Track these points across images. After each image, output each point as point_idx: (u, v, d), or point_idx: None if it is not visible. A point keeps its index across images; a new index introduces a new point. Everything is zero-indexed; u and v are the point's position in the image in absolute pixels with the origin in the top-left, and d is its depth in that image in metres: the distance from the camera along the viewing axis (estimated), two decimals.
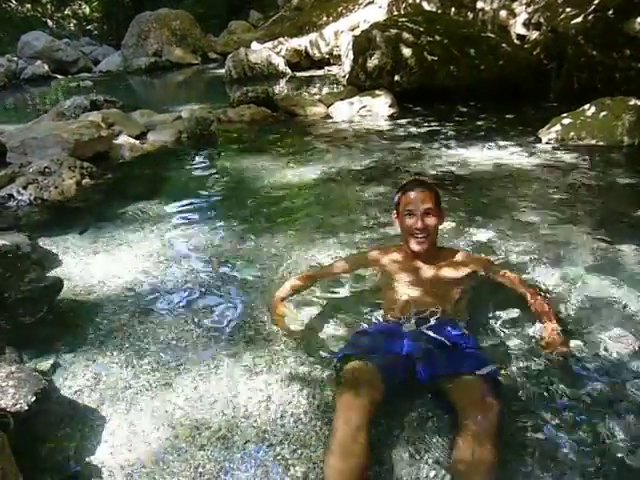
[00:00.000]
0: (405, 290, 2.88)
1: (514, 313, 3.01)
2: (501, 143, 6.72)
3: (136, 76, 17.51)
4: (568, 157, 6.03)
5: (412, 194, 2.88)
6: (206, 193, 5.37)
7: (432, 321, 2.61)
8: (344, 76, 11.39)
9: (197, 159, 6.60)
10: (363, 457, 1.99)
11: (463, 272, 2.96)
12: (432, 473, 2.07)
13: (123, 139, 6.82)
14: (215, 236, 4.25)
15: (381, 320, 2.88)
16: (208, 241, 4.16)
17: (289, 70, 14.67)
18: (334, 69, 14.62)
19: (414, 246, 2.89)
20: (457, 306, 2.81)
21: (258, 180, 5.65)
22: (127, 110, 8.59)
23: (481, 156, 6.18)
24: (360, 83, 9.70)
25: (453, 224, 4.22)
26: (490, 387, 2.24)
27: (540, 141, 6.65)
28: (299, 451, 2.19)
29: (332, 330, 2.96)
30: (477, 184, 5.31)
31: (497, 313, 3.03)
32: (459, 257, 3.06)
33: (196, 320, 3.12)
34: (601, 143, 6.40)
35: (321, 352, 2.79)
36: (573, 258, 3.61)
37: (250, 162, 6.30)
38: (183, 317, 3.16)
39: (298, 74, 14.59)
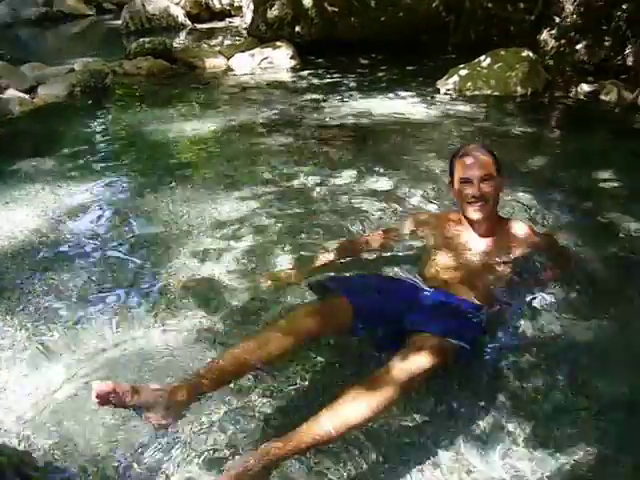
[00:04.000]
0: (442, 260, 2.71)
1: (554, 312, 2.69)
2: (401, 94, 6.82)
3: (25, 28, 16.46)
4: (465, 107, 6.20)
5: (468, 159, 2.59)
6: (102, 148, 5.19)
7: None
8: (245, 28, 11.15)
9: (92, 113, 6.33)
10: (258, 354, 2.06)
11: (518, 252, 2.68)
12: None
13: (11, 93, 6.44)
14: (113, 192, 4.13)
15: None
16: (105, 197, 4.04)
17: (189, 22, 14.19)
18: (236, 21, 14.28)
19: (471, 214, 2.61)
20: (490, 291, 2.57)
21: (157, 134, 5.50)
22: (15, 63, 8.10)
23: (382, 107, 6.25)
24: (261, 34, 9.53)
25: (354, 174, 4.28)
26: (443, 349, 2.14)
27: (439, 92, 6.80)
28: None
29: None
30: (378, 134, 5.38)
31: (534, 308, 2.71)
32: (520, 232, 2.74)
33: (95, 277, 3.04)
34: (496, 93, 6.61)
35: (227, 305, 2.78)
36: None
37: (148, 116, 6.12)
38: (83, 275, 3.06)
39: (198, 26, 14.13)
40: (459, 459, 1.97)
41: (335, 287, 2.49)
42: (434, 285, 2.57)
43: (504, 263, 2.64)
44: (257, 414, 2.13)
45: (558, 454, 1.98)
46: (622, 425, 2.11)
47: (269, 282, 2.91)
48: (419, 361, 2.06)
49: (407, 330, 2.25)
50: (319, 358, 2.41)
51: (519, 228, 2.76)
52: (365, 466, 1.93)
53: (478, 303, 2.46)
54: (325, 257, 3.00)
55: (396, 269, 2.96)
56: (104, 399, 1.75)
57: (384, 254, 3.10)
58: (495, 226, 2.70)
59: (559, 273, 2.81)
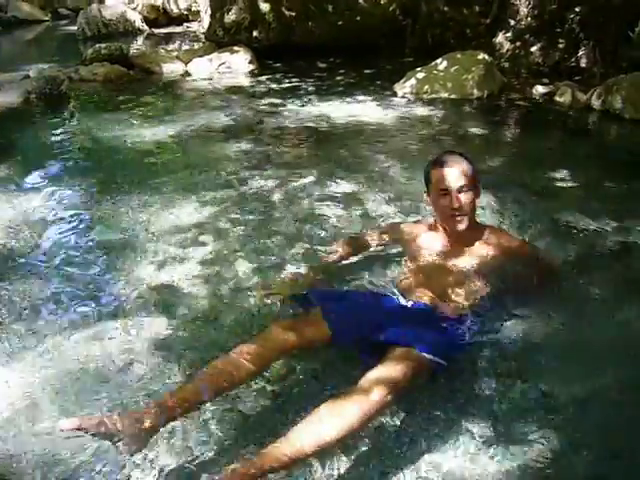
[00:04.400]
0: (419, 271, 2.65)
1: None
2: (359, 98, 6.85)
3: None
4: (422, 110, 6.25)
5: (444, 170, 2.52)
6: (58, 155, 5.07)
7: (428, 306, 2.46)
8: (203, 33, 11.11)
9: (48, 120, 6.22)
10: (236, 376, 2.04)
11: (496, 260, 2.60)
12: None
13: None
14: (70, 200, 4.04)
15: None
16: (61, 205, 3.95)
17: (146, 27, 14.06)
18: (193, 26, 14.20)
19: (452, 226, 2.57)
20: (467, 301, 2.49)
21: (114, 140, 5.42)
22: None
23: (340, 110, 6.27)
24: (218, 39, 9.50)
25: (313, 178, 4.28)
26: (418, 365, 2.11)
27: (396, 95, 6.83)
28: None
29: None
30: (337, 138, 5.40)
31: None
32: (498, 240, 2.67)
33: (50, 287, 2.96)
34: (453, 96, 6.67)
35: (188, 313, 2.74)
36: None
37: (105, 122, 6.02)
38: (36, 285, 2.97)
39: (156, 31, 14.03)
40: (418, 459, 1.96)
41: (313, 300, 2.46)
42: (412, 297, 2.51)
43: (482, 272, 2.57)
44: (228, 433, 2.07)
45: (516, 451, 1.98)
46: (576, 423, 2.12)
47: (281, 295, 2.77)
48: (394, 377, 2.01)
49: (385, 344, 2.20)
50: (295, 371, 2.37)
51: (497, 235, 2.70)
52: (331, 471, 1.91)
53: (456, 316, 2.41)
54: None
55: (373, 281, 2.92)
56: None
57: (361, 266, 3.05)
58: (472, 234, 2.64)
59: (541, 281, 2.73)
